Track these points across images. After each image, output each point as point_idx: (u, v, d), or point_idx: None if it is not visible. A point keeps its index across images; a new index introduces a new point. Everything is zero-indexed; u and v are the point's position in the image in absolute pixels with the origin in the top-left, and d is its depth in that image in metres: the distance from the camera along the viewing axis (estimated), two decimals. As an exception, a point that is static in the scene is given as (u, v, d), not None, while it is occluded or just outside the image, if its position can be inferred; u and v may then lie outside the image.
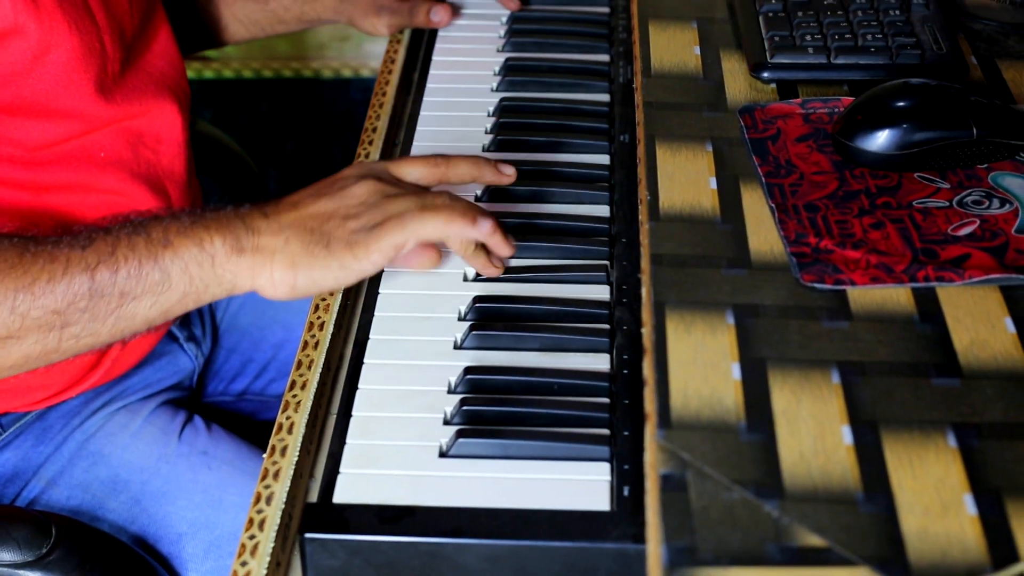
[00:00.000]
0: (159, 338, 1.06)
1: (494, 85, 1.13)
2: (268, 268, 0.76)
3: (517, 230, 0.90)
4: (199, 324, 1.15)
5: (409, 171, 0.83)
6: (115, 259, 0.75)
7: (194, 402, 1.15)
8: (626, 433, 0.74)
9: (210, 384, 1.19)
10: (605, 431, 0.75)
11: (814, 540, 0.58)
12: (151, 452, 1.01)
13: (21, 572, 0.89)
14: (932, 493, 0.60)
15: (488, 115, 1.09)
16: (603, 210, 0.94)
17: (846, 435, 0.64)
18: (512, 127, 1.06)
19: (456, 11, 1.25)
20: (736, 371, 0.68)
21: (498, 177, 0.88)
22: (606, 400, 0.77)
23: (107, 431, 1.01)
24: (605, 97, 1.10)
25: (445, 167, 0.84)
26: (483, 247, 0.83)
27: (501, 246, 0.83)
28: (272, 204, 0.79)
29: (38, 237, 0.77)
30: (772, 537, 0.58)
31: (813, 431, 0.64)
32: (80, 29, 0.88)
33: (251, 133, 2.20)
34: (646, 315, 0.74)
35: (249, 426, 1.20)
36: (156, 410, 1.05)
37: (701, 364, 0.69)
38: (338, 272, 0.76)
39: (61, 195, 0.91)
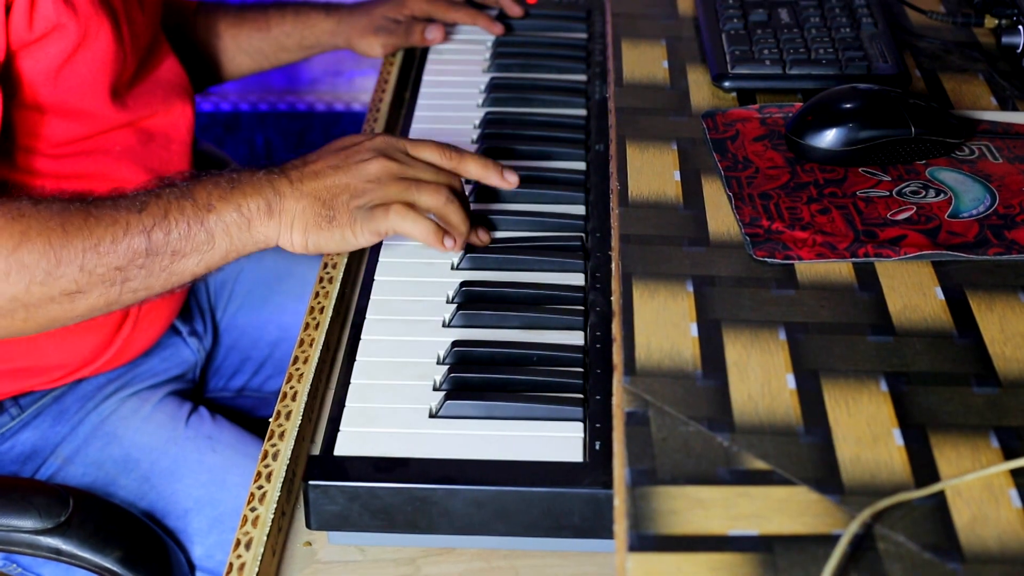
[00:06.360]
0: (164, 329, 1.14)
1: (480, 101, 1.22)
2: (288, 229, 0.88)
3: (501, 225, 1.00)
4: (200, 320, 1.23)
5: (425, 154, 0.93)
6: (168, 222, 0.85)
7: (197, 396, 1.23)
8: (598, 398, 0.82)
9: (211, 380, 1.27)
10: (579, 395, 0.83)
11: (760, 464, 0.66)
12: (160, 435, 1.09)
13: (41, 538, 0.96)
14: (864, 427, 0.68)
15: (474, 127, 1.18)
16: (579, 209, 1.03)
17: (790, 381, 0.72)
18: (497, 138, 1.15)
19: (446, 36, 1.34)
20: (694, 329, 0.76)
21: (501, 182, 0.97)
22: (580, 370, 0.85)
23: (120, 414, 1.09)
24: (582, 112, 1.19)
25: (458, 160, 0.94)
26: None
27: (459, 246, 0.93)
28: (297, 169, 0.90)
29: (97, 200, 0.87)
30: (723, 462, 0.66)
31: (760, 378, 0.72)
32: (112, 32, 0.97)
33: (247, 164, 2.28)
34: (615, 284, 0.82)
35: (247, 422, 1.27)
36: (164, 398, 1.13)
37: (663, 324, 0.77)
38: (339, 242, 0.89)
39: (80, 183, 1.00)
